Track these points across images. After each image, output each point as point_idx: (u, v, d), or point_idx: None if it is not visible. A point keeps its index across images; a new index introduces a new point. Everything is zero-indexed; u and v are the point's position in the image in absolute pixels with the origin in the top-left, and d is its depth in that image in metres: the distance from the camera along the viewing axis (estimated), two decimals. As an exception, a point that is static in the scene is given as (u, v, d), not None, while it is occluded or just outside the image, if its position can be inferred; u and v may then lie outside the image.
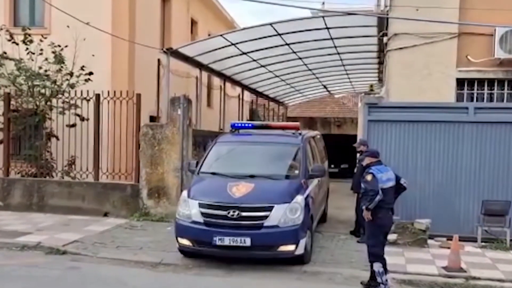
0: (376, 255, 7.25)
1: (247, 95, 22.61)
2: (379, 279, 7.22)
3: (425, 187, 10.35)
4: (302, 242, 8.29)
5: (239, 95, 21.04)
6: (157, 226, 11.01)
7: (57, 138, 12.86)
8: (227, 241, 8.01)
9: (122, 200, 11.80)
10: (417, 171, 10.39)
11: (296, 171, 9.22)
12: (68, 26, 12.53)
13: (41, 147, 12.80)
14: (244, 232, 8.05)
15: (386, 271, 7.25)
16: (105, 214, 11.78)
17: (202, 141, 13.56)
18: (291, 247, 8.19)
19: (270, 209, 8.15)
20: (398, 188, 7.61)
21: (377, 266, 7.21)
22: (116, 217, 11.63)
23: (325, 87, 22.86)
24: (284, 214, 8.18)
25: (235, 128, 10.37)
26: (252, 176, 8.78)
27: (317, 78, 20.13)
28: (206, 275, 8.01)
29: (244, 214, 8.08)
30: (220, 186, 8.56)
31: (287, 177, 9.15)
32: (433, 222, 9.85)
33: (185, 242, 8.45)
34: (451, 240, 9.82)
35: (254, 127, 10.44)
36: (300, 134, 10.03)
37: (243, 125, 10.67)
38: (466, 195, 10.21)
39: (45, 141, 12.98)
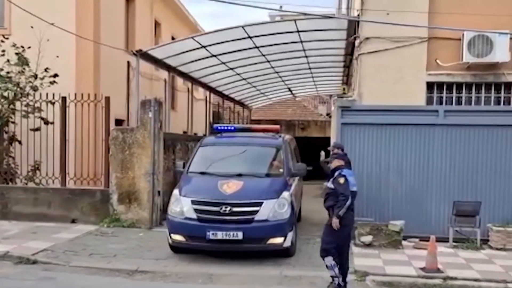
0: (328, 251, 7.34)
1: (212, 98, 22.38)
2: (331, 273, 7.35)
3: (398, 189, 10.50)
4: (290, 235, 8.90)
5: (206, 98, 20.83)
6: (129, 232, 10.75)
7: (20, 143, 12.39)
8: (220, 235, 8.47)
9: (91, 206, 11.45)
10: (390, 173, 10.53)
11: (281, 170, 9.87)
12: (32, 27, 12.10)
13: (3, 152, 12.30)
14: (236, 226, 8.54)
15: (337, 264, 7.34)
16: (73, 221, 11.41)
17: (171, 144, 13.34)
18: (279, 240, 8.77)
19: (260, 204, 8.72)
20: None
21: (329, 260, 7.33)
22: (85, 223, 11.28)
23: (290, 89, 22.88)
24: (273, 209, 8.77)
25: (218, 130, 10.89)
26: (239, 175, 9.31)
27: (283, 81, 20.12)
28: (185, 282, 7.87)
29: (235, 209, 8.59)
30: (211, 184, 9.07)
31: (272, 175, 9.81)
32: (405, 223, 9.97)
33: (178, 237, 8.83)
34: (423, 241, 10.03)
35: (236, 130, 11.09)
36: (280, 136, 10.83)
37: (226, 128, 11.10)
38: (437, 196, 10.41)
39: (7, 145, 12.48)
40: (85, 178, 11.88)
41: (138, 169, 11.28)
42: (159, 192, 11.49)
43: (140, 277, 8.06)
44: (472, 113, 10.52)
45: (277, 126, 11.08)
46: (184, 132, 18.36)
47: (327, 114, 31.74)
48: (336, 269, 7.32)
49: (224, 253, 8.82)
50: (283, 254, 8.95)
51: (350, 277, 8.02)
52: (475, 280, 7.87)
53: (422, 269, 8.27)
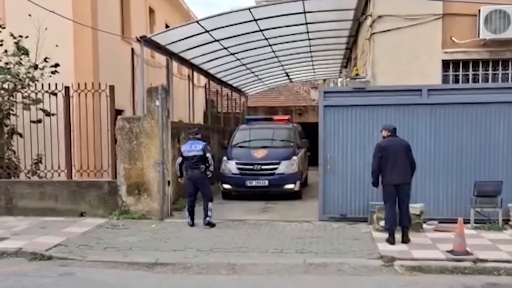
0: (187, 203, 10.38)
1: (203, 83, 21.90)
2: (209, 213, 10.26)
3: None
4: (298, 183, 13.77)
5: (205, 85, 20.40)
6: (140, 224, 10.45)
7: (21, 136, 11.97)
8: (254, 183, 13.44)
9: (99, 199, 11.12)
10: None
11: (291, 143, 14.86)
12: (30, 15, 11.61)
13: (3, 146, 11.88)
14: (264, 178, 13.45)
15: (192, 212, 10.37)
16: (82, 214, 11.09)
17: (176, 133, 13.01)
18: (291, 186, 13.60)
19: (278, 163, 13.64)
20: (205, 158, 10.28)
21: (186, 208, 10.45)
22: (94, 216, 10.96)
23: (287, 74, 22.54)
24: (287, 166, 13.65)
25: (247, 120, 16.66)
26: (264, 147, 14.33)
27: (282, 65, 19.77)
28: (208, 273, 7.58)
29: (264, 167, 13.54)
30: (247, 153, 14.10)
31: (285, 146, 14.72)
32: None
33: (227, 186, 13.86)
34: (443, 223, 9.87)
35: (261, 119, 16.93)
36: (290, 123, 16.41)
37: (254, 118, 17.32)
38: (422, 177, 10.07)
39: (7, 139, 12.05)
40: (92, 170, 11.51)
41: (146, 159, 10.95)
42: (168, 182, 11.18)
43: (161, 269, 7.76)
44: (455, 91, 10.24)
45: (288, 116, 17.37)
46: (180, 121, 17.88)
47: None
48: (190, 216, 10.28)
49: (256, 195, 13.39)
50: (294, 196, 13.57)
51: (376, 263, 7.85)
52: (507, 261, 7.66)
53: (450, 251, 8.04)
